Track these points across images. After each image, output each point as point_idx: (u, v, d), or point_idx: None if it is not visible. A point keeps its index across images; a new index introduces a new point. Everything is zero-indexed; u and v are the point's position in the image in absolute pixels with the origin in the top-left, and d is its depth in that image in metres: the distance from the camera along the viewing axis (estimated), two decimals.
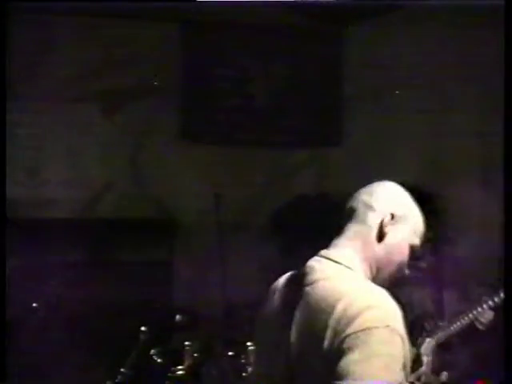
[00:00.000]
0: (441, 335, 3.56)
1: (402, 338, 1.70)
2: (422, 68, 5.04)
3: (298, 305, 1.84)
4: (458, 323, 3.55)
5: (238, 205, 5.18)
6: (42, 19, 4.96)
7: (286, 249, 5.14)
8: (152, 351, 3.95)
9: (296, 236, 5.08)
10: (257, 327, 2.06)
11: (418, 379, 3.27)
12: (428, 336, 3.53)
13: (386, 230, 1.91)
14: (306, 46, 5.50)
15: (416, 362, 3.27)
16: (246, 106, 5.45)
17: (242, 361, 3.89)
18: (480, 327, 3.52)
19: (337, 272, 1.85)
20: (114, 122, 5.22)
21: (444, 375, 3.28)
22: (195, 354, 3.95)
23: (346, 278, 1.83)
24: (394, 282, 1.92)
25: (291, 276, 1.99)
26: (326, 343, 1.70)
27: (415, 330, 3.48)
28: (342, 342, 1.67)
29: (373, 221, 1.92)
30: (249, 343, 3.79)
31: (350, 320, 1.68)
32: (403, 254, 1.93)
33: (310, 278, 1.85)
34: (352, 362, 1.64)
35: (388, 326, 1.68)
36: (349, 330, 1.67)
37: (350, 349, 1.66)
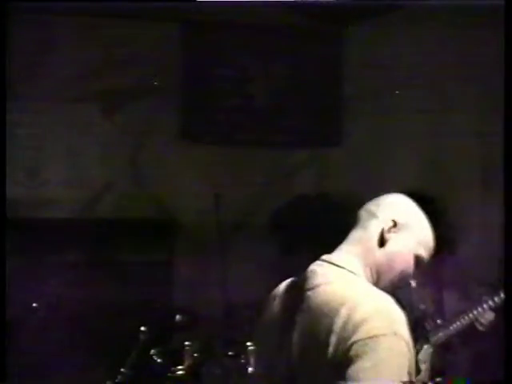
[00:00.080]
0: (441, 335, 3.56)
1: (408, 345, 1.70)
2: (421, 68, 5.04)
3: (300, 309, 1.83)
4: (458, 323, 3.55)
5: (238, 205, 5.18)
6: (41, 19, 4.96)
7: (286, 249, 5.14)
8: (152, 351, 3.95)
9: (296, 236, 5.08)
10: (257, 332, 2.06)
11: None
12: (426, 341, 3.53)
13: (387, 236, 1.90)
14: (306, 45, 5.49)
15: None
16: (246, 105, 5.45)
17: (242, 361, 3.89)
18: (480, 328, 3.52)
19: (339, 276, 1.85)
20: (114, 122, 5.22)
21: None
22: (195, 354, 3.96)
23: (349, 282, 1.83)
24: (396, 289, 1.92)
25: (292, 281, 1.97)
26: (331, 349, 1.69)
27: (416, 330, 3.48)
28: (349, 348, 1.67)
29: (375, 227, 1.93)
30: (249, 343, 3.80)
31: (356, 326, 1.68)
32: (406, 263, 1.92)
33: (312, 282, 1.85)
34: (361, 369, 1.64)
35: (395, 333, 1.68)
36: (356, 337, 1.67)
37: (357, 356, 1.65)
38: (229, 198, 4.85)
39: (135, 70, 5.15)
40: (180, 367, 3.91)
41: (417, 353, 3.42)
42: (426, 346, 3.46)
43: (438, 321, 3.61)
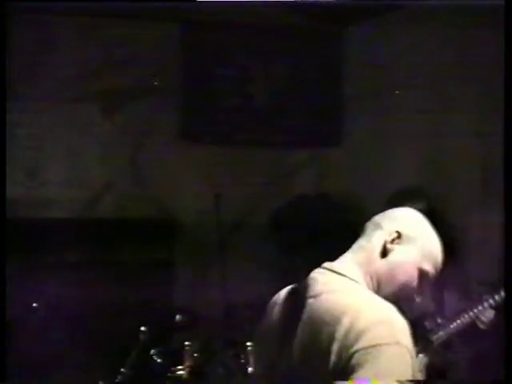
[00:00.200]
0: (441, 334, 3.56)
1: (411, 354, 1.70)
2: (421, 68, 5.04)
3: (301, 317, 1.82)
4: (459, 322, 3.55)
5: (238, 205, 5.18)
6: (42, 19, 4.96)
7: (286, 249, 5.14)
8: (152, 351, 3.95)
9: (296, 236, 5.08)
10: (256, 340, 2.05)
11: None
12: (426, 341, 3.52)
13: (390, 247, 1.90)
14: (305, 45, 5.50)
15: None
16: (246, 105, 5.45)
17: (242, 361, 3.89)
18: (481, 326, 3.53)
19: (341, 284, 1.83)
20: (114, 122, 5.22)
21: None
22: (195, 354, 3.95)
23: (351, 290, 1.82)
24: (398, 302, 1.88)
25: (293, 289, 1.96)
26: (333, 358, 1.68)
27: (416, 330, 3.48)
28: (351, 357, 1.66)
29: (378, 237, 1.92)
30: (249, 343, 3.80)
31: (359, 335, 1.67)
32: (408, 275, 1.90)
33: (314, 290, 1.84)
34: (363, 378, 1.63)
35: (398, 342, 1.67)
36: (358, 346, 1.66)
37: (359, 365, 1.64)
38: (229, 198, 4.85)
39: (135, 69, 5.15)
40: (180, 367, 3.91)
41: None
42: (420, 356, 3.46)
43: (439, 320, 3.61)
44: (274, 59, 5.47)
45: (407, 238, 1.91)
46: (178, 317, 4.15)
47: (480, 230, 4.56)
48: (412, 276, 1.90)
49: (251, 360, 3.72)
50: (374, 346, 1.65)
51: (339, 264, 1.90)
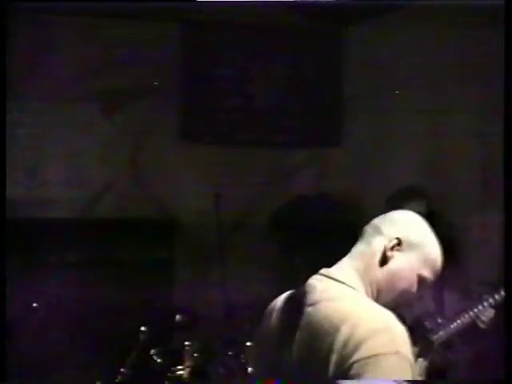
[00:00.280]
0: (442, 334, 3.56)
1: (410, 362, 1.68)
2: (421, 68, 5.04)
3: (300, 326, 1.79)
4: (459, 322, 3.55)
5: (238, 205, 5.18)
6: (42, 19, 4.96)
7: (286, 249, 5.14)
8: (152, 351, 3.95)
9: (296, 236, 5.08)
10: (254, 347, 2.03)
11: None
12: (426, 342, 3.52)
13: (390, 254, 1.87)
14: (306, 45, 5.50)
15: None
16: (246, 106, 5.45)
17: (242, 361, 3.89)
18: (481, 325, 3.53)
19: (340, 292, 1.81)
20: (114, 122, 5.22)
21: None
22: (195, 354, 3.95)
23: (350, 298, 1.80)
24: (397, 308, 1.86)
25: (290, 296, 1.94)
26: (332, 368, 1.67)
27: (416, 330, 3.48)
28: (350, 367, 1.64)
29: (378, 243, 1.89)
30: (248, 343, 3.80)
31: (357, 345, 1.65)
32: (408, 283, 1.87)
33: (312, 297, 1.81)
34: None
35: (397, 351, 1.65)
36: (356, 356, 1.64)
37: (358, 375, 1.63)
38: (229, 198, 4.85)
39: (135, 69, 5.15)
40: (180, 367, 3.91)
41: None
42: (420, 360, 3.46)
43: (439, 320, 3.62)
44: (274, 59, 5.47)
45: (408, 245, 1.88)
46: (178, 317, 4.15)
47: (480, 230, 4.56)
48: (412, 283, 1.88)
49: (250, 361, 3.72)
50: (372, 356, 1.63)
51: (337, 270, 1.87)
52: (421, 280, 1.89)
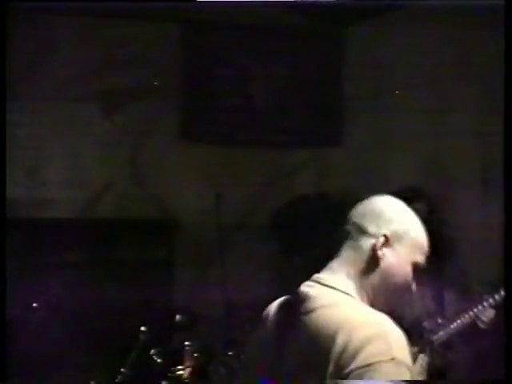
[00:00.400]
0: (442, 334, 3.56)
1: (408, 368, 1.65)
2: (421, 68, 5.04)
3: (295, 334, 1.77)
4: (459, 322, 3.55)
5: (238, 205, 5.18)
6: (42, 19, 4.96)
7: (286, 249, 5.14)
8: (152, 351, 3.94)
9: (296, 236, 5.08)
10: (247, 354, 2.00)
11: None
12: (426, 342, 3.52)
13: (380, 253, 1.81)
14: (305, 46, 5.50)
15: None
16: (246, 106, 5.45)
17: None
18: (481, 326, 3.52)
19: (334, 299, 1.77)
20: (114, 122, 5.22)
21: None
22: (195, 354, 3.95)
23: (344, 305, 1.76)
24: (397, 305, 1.85)
25: (285, 303, 1.90)
26: (329, 378, 1.64)
27: (416, 330, 3.48)
28: (346, 377, 1.62)
29: (365, 244, 1.83)
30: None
31: (353, 354, 1.62)
32: (404, 275, 1.83)
33: (307, 306, 1.78)
34: None
35: (393, 358, 1.62)
36: (353, 366, 1.62)
37: None
38: (229, 198, 4.85)
39: (135, 69, 5.15)
40: (180, 367, 3.90)
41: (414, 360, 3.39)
42: (421, 355, 3.45)
43: (439, 320, 3.62)
44: (274, 59, 5.47)
45: (396, 238, 1.83)
46: (178, 317, 4.15)
47: (480, 230, 4.56)
48: (407, 274, 1.84)
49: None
50: (368, 365, 1.61)
51: (329, 276, 1.83)
52: (414, 267, 1.85)
